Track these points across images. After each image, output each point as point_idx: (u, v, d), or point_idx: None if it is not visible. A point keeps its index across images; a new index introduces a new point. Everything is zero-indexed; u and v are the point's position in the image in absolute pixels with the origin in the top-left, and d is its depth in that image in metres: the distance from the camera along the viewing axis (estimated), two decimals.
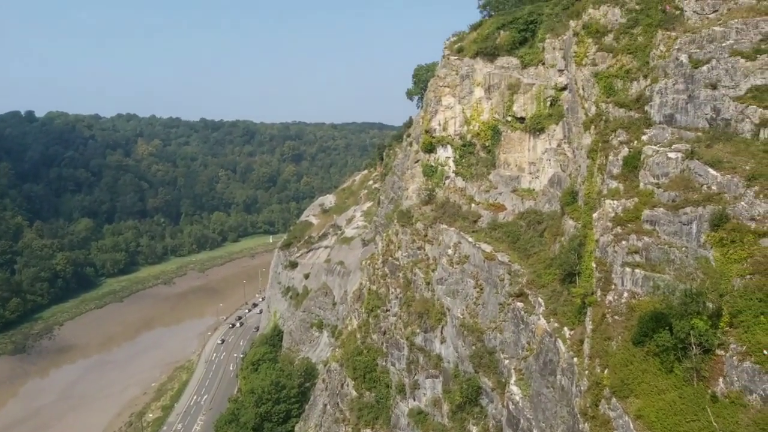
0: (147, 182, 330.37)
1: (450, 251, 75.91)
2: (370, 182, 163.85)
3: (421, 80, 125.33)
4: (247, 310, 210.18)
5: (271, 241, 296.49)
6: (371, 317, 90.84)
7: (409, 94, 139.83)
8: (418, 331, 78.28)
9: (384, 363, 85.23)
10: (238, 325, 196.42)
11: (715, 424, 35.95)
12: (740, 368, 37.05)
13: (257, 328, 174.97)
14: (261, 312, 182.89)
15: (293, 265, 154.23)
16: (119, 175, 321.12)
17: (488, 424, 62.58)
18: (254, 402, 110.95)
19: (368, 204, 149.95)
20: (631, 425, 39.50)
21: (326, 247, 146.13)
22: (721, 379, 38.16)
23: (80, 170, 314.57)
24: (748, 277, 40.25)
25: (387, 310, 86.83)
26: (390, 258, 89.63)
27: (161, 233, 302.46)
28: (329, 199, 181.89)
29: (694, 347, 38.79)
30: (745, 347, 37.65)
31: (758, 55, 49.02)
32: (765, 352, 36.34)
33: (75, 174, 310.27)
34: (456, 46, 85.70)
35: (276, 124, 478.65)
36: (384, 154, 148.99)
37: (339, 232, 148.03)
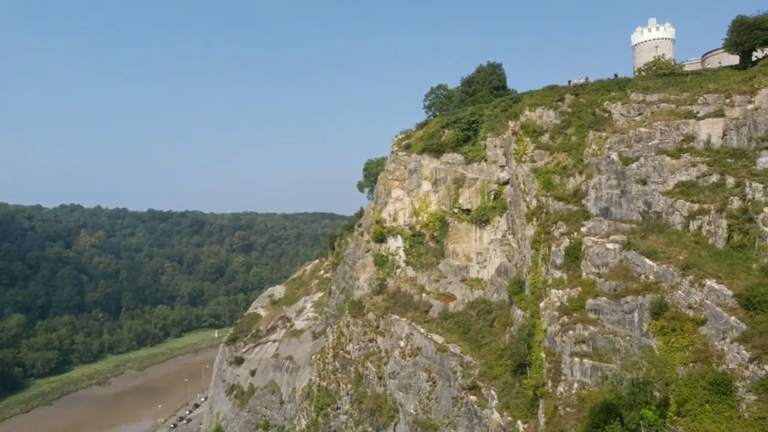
0: (87, 275, 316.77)
1: (402, 343, 74.90)
2: (321, 272, 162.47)
3: (372, 173, 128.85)
4: (187, 411, 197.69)
5: (216, 335, 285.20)
6: (321, 416, 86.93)
7: (360, 187, 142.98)
8: (370, 429, 75.20)
9: None
10: (177, 427, 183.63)
11: None
12: None
13: (198, 430, 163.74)
14: (203, 412, 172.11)
15: (239, 361, 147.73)
16: (57, 267, 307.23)
17: None
18: None
19: (319, 294, 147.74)
20: None
21: (275, 340, 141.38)
22: None
23: (16, 263, 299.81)
24: (691, 365, 41.37)
25: (337, 408, 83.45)
26: (341, 351, 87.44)
27: (99, 329, 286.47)
28: (279, 290, 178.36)
29: None
30: None
31: (682, 154, 53.27)
32: None
33: (10, 267, 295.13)
34: (404, 142, 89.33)
35: (226, 214, 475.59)
36: (335, 243, 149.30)
37: (288, 324, 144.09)
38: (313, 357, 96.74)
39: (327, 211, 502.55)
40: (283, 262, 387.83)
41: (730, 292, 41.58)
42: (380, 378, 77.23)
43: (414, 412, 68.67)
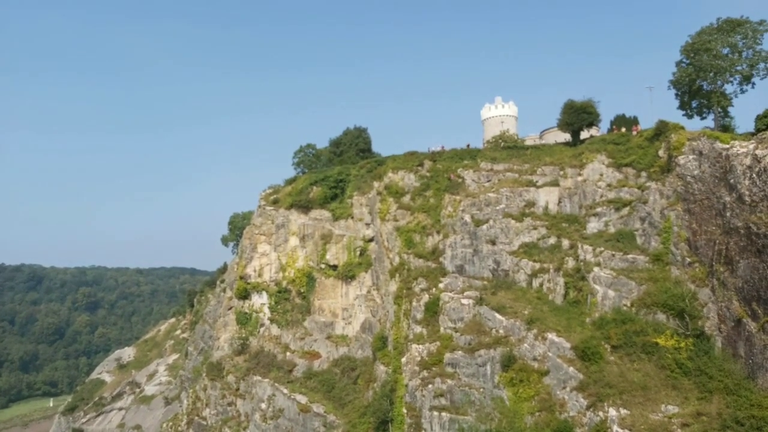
0: None
1: (264, 405, 72.19)
2: (178, 332, 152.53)
3: (237, 227, 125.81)
4: None
5: (51, 405, 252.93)
6: None
7: (225, 241, 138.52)
8: None
9: None
10: None
11: None
12: None
13: None
14: None
15: None
16: None
17: None
18: None
19: (174, 356, 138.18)
20: None
21: (121, 408, 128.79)
22: None
23: None
24: (537, 414, 44.67)
25: None
26: (196, 417, 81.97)
27: None
28: (128, 353, 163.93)
29: None
30: None
31: (525, 218, 59.02)
32: None
33: None
34: (272, 197, 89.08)
35: (70, 269, 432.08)
36: (195, 300, 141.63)
37: (138, 390, 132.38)
38: (164, 425, 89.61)
39: (187, 266, 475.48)
40: (135, 321, 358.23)
41: (568, 345, 45.97)
42: None
43: None
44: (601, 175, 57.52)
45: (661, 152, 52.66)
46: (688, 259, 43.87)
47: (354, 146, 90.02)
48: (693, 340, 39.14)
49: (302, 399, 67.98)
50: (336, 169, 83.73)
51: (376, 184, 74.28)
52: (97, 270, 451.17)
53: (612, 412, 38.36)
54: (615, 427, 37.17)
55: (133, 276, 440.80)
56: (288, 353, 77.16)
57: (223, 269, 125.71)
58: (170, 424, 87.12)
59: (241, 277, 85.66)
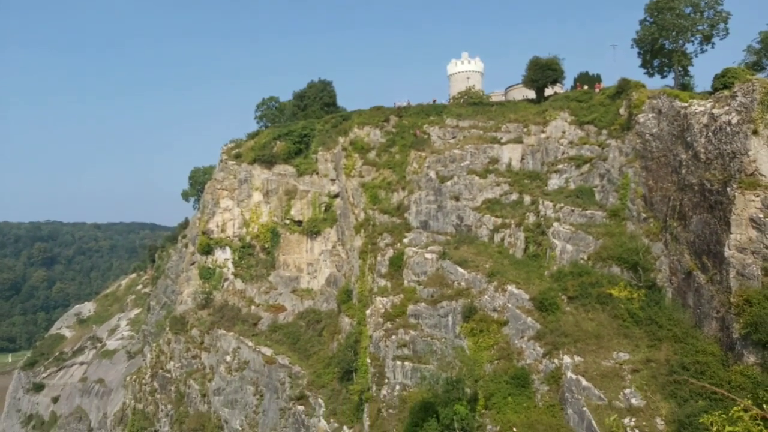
0: None
1: (228, 358, 72.78)
2: (139, 286, 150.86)
3: (198, 182, 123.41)
4: None
5: (10, 360, 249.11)
6: None
7: (185, 196, 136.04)
8: None
9: None
10: None
11: None
12: None
13: None
14: None
15: (38, 387, 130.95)
16: None
17: None
18: None
19: (136, 311, 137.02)
20: None
21: (82, 363, 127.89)
22: None
23: None
24: (496, 362, 46.39)
25: (156, 431, 78.18)
26: (160, 371, 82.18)
27: None
28: (88, 308, 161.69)
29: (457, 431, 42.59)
30: (498, 427, 42.59)
31: (488, 174, 59.74)
32: (514, 430, 41.57)
33: None
34: (234, 152, 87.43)
35: (24, 224, 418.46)
36: (156, 255, 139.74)
37: (99, 344, 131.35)
38: (128, 378, 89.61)
39: (147, 221, 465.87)
40: (94, 276, 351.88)
41: (527, 296, 47.49)
42: (204, 396, 74.12)
43: (240, 428, 67.08)
44: (564, 132, 58.35)
45: (622, 110, 53.63)
46: (644, 215, 45.43)
47: (318, 100, 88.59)
48: (645, 291, 40.96)
49: (267, 351, 68.75)
50: (300, 124, 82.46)
51: (341, 139, 73.65)
52: (52, 225, 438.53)
53: (567, 359, 40.16)
54: (569, 374, 38.99)
55: (90, 231, 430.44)
56: (253, 307, 77.47)
57: (185, 224, 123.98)
58: (134, 377, 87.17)
59: (204, 233, 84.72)
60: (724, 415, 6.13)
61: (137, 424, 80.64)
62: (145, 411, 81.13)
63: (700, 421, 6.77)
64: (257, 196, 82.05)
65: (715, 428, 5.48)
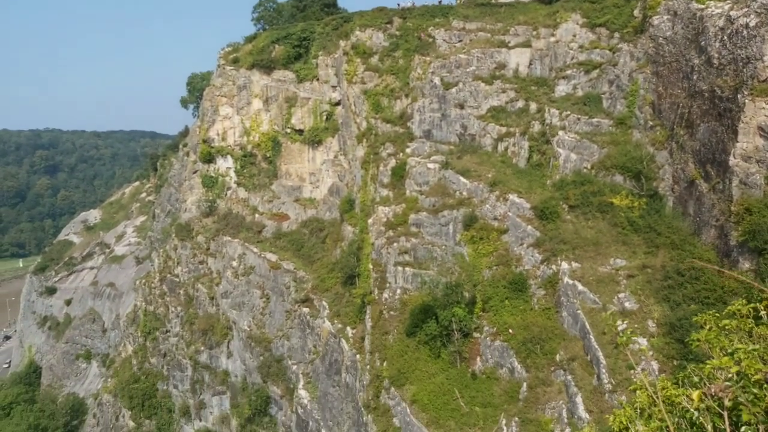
0: None
1: (234, 263, 74.67)
2: (143, 195, 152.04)
3: (196, 89, 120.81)
4: None
5: (21, 265, 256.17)
6: (149, 340, 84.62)
7: (184, 103, 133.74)
8: (202, 348, 75.28)
9: (165, 387, 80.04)
10: None
11: (461, 402, 41.69)
12: (492, 347, 43.51)
13: (8, 364, 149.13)
14: (11, 347, 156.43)
15: (51, 290, 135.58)
16: None
17: (278, 431, 62.98)
18: None
19: (141, 218, 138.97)
20: (408, 410, 43.56)
21: (92, 268, 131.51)
22: (478, 359, 44.33)
23: None
24: (495, 268, 47.50)
25: (167, 331, 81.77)
26: (169, 275, 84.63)
27: None
28: (94, 215, 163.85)
29: (456, 333, 44.42)
30: (495, 328, 44.34)
31: (494, 81, 58.15)
32: (510, 331, 43.31)
33: None
34: (231, 56, 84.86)
35: (24, 131, 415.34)
36: (158, 164, 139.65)
37: (107, 250, 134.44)
38: (138, 282, 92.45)
39: (147, 129, 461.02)
40: (98, 184, 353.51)
41: (528, 205, 47.78)
42: (212, 298, 76.80)
43: (248, 328, 70.02)
44: (574, 35, 56.11)
45: (636, 12, 51.25)
46: (651, 123, 44.68)
47: (318, 1, 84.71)
48: (646, 199, 41.11)
49: (272, 257, 70.39)
50: (299, 26, 79.34)
51: (342, 43, 71.06)
52: (52, 133, 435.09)
53: (564, 265, 41.06)
54: (565, 279, 40.02)
55: (90, 139, 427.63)
56: (256, 215, 78.43)
57: (185, 133, 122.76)
58: (143, 281, 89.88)
59: (204, 141, 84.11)
60: (717, 314, 6.23)
61: (149, 324, 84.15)
62: (156, 312, 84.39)
63: (694, 319, 6.92)
64: (257, 104, 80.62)
65: (708, 326, 5.62)
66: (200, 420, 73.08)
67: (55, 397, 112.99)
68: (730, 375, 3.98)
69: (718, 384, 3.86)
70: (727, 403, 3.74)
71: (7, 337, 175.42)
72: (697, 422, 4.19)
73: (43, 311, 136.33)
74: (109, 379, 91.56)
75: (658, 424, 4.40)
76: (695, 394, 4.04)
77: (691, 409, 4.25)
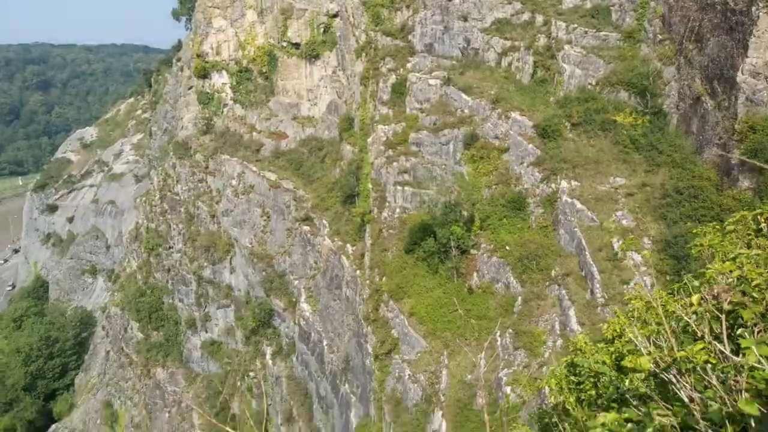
0: None
1: (234, 182, 74.70)
2: (139, 111, 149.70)
3: (188, 0, 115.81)
4: None
5: (20, 183, 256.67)
6: (152, 257, 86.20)
7: (176, 15, 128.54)
8: (205, 264, 76.84)
9: (171, 300, 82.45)
10: None
11: (461, 311, 43.06)
12: (489, 263, 44.39)
13: (12, 286, 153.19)
14: (17, 263, 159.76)
15: (52, 208, 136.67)
16: None
17: (281, 342, 65.54)
18: (22, 361, 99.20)
19: (138, 136, 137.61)
20: (406, 322, 45.10)
21: (92, 186, 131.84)
22: (475, 274, 45.37)
23: None
24: (494, 187, 47.57)
25: (170, 248, 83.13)
26: (169, 193, 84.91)
27: None
28: (90, 132, 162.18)
29: (453, 250, 45.19)
30: (492, 246, 45.04)
31: None
32: (507, 248, 44.03)
33: None
34: None
35: (13, 46, 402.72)
36: (152, 80, 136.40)
37: (106, 168, 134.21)
38: (138, 200, 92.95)
39: (139, 43, 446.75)
40: (92, 101, 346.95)
41: (530, 123, 47.12)
42: (213, 216, 77.49)
43: (249, 245, 71.16)
44: None
45: None
46: (660, 37, 43.21)
47: None
48: (650, 117, 40.49)
49: (272, 176, 70.35)
50: None
51: None
52: (41, 47, 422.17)
53: (563, 184, 41.11)
54: (564, 197, 40.19)
55: (81, 53, 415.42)
56: (254, 133, 77.59)
57: (179, 47, 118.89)
58: (144, 199, 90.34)
59: (198, 56, 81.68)
60: (717, 226, 6.24)
61: (152, 241, 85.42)
62: (158, 230, 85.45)
63: (693, 231, 6.97)
64: (251, 15, 77.60)
65: (707, 238, 5.65)
66: (206, 332, 75.87)
67: (63, 310, 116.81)
68: (730, 280, 4.05)
69: (720, 286, 3.92)
70: (725, 306, 3.83)
71: (9, 257, 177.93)
72: (694, 326, 4.29)
73: (46, 228, 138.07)
74: (116, 293, 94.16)
75: (655, 328, 4.54)
76: (694, 298, 4.12)
77: (687, 315, 4.34)
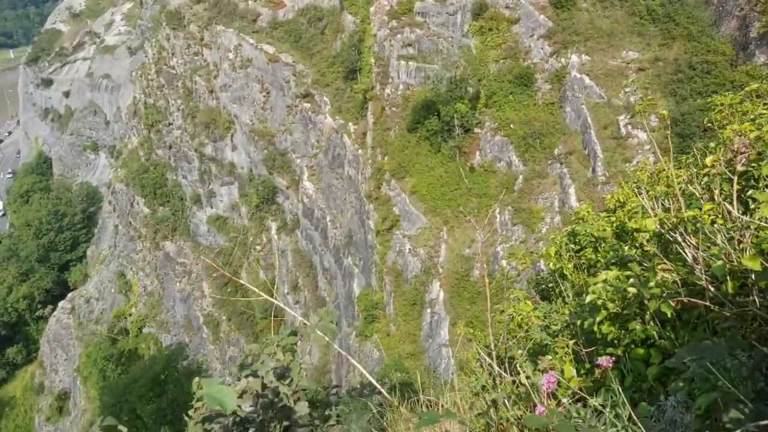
0: None
1: (231, 55, 72.09)
2: None
3: None
4: None
5: (12, 56, 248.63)
6: (153, 133, 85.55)
7: None
8: (206, 141, 76.44)
9: (174, 177, 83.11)
10: None
11: (466, 188, 43.49)
12: (492, 142, 44.08)
13: (18, 153, 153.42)
14: (18, 139, 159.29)
15: (47, 82, 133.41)
16: None
17: (286, 218, 66.98)
18: (33, 234, 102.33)
19: (128, 5, 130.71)
20: (407, 200, 45.76)
21: (85, 59, 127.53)
22: (477, 153, 45.20)
23: None
24: (501, 61, 45.91)
25: (170, 124, 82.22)
26: (165, 67, 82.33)
27: None
28: (78, 1, 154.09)
29: (457, 128, 44.64)
30: (496, 124, 44.43)
31: None
32: (511, 126, 43.44)
33: None
34: None
35: None
36: None
37: (98, 40, 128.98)
38: (134, 74, 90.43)
39: None
40: None
41: None
42: (211, 92, 75.77)
43: (250, 122, 70.29)
44: None
45: None
46: None
47: None
48: None
49: (270, 49, 67.72)
50: None
51: None
52: None
53: (574, 58, 39.59)
54: (573, 72, 38.91)
55: None
56: (250, 2, 73.56)
57: None
58: (139, 73, 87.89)
59: None
60: (740, 94, 5.89)
61: (151, 117, 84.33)
62: (156, 105, 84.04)
63: (709, 100, 6.69)
64: None
65: (728, 97, 5.40)
66: (211, 207, 77.25)
67: (69, 186, 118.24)
68: (748, 141, 3.93)
69: (740, 140, 3.81)
70: (739, 167, 3.74)
71: (9, 133, 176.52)
72: (698, 192, 4.24)
73: (43, 103, 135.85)
74: (119, 170, 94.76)
75: (663, 190, 4.50)
76: (709, 159, 4.03)
77: (699, 178, 4.27)
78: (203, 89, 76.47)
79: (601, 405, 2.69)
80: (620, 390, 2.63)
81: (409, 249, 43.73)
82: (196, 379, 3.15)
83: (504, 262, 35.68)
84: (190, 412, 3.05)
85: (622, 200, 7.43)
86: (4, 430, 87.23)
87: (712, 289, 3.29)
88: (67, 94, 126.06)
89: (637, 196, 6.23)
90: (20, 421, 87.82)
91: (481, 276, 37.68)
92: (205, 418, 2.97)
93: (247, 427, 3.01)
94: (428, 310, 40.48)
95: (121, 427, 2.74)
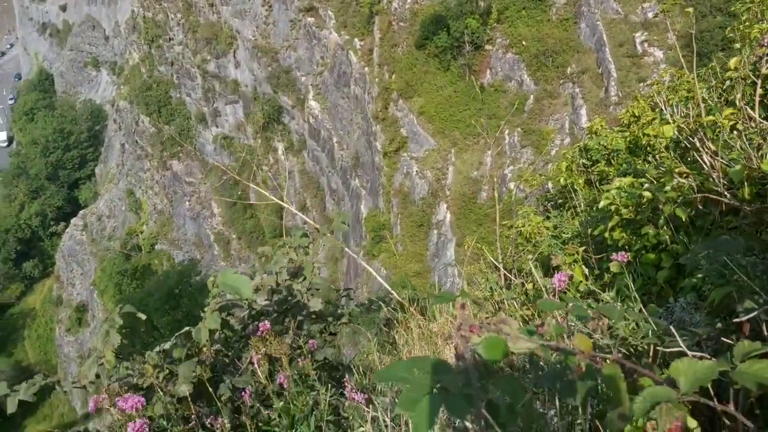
0: None
1: None
2: None
3: None
4: None
5: None
6: (154, 48, 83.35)
7: None
8: (209, 57, 74.53)
9: (178, 95, 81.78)
10: None
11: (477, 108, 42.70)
12: (503, 60, 42.84)
13: (18, 76, 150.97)
14: (17, 55, 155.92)
15: None
16: None
17: (292, 138, 66.41)
18: (40, 152, 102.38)
19: None
20: (415, 121, 45.14)
21: None
22: (488, 71, 44.04)
23: None
24: None
25: (170, 39, 79.90)
26: None
27: None
28: None
29: (467, 45, 43.23)
30: (508, 41, 42.99)
31: None
32: (524, 43, 42.01)
33: None
34: None
35: None
36: None
37: None
38: None
39: None
40: None
41: None
42: (212, 5, 73.09)
43: (252, 38, 68.20)
44: None
45: None
46: None
47: None
48: None
49: None
50: None
51: None
52: None
53: None
54: None
55: None
56: None
57: None
58: None
59: None
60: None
61: (151, 32, 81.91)
62: (156, 19, 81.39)
63: (737, 5, 6.34)
64: None
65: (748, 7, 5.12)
66: (216, 126, 76.53)
67: (72, 103, 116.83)
68: None
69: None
70: (764, 70, 3.60)
71: (11, 45, 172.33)
72: (713, 99, 4.12)
73: (40, 18, 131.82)
74: (122, 87, 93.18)
75: (684, 95, 4.37)
76: (732, 61, 3.88)
77: (720, 82, 4.13)
78: (203, 2, 73.74)
79: (612, 299, 2.74)
80: (631, 285, 2.66)
81: (417, 171, 43.63)
82: (211, 278, 3.22)
83: (512, 185, 35.64)
84: (207, 300, 3.15)
85: (637, 114, 7.26)
86: (28, 340, 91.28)
87: (728, 195, 3.26)
88: (63, 8, 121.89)
89: (653, 110, 6.08)
90: (42, 331, 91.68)
91: (489, 198, 37.75)
92: (222, 307, 3.07)
93: (262, 320, 3.12)
94: (435, 231, 40.93)
95: (139, 314, 2.83)
